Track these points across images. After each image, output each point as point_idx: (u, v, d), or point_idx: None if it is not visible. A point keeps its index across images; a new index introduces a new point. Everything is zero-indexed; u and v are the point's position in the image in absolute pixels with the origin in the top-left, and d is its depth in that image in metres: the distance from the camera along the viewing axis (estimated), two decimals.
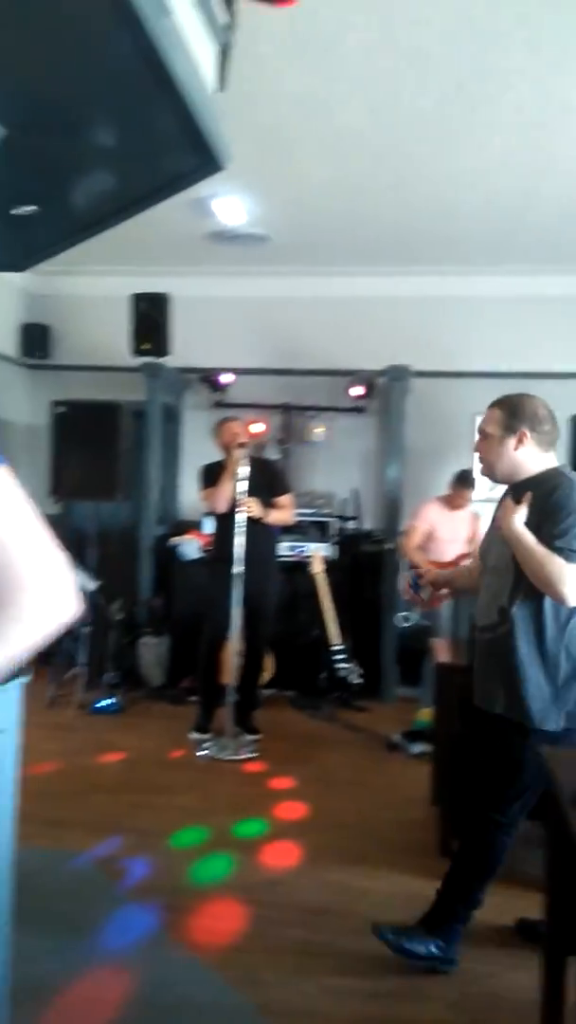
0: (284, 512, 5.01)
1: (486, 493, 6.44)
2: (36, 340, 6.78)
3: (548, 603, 2.46)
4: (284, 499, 5.02)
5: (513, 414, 2.58)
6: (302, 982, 2.58)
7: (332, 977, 2.62)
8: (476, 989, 2.59)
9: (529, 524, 2.46)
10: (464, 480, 5.34)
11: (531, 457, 2.57)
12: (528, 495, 2.50)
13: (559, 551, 2.37)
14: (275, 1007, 2.44)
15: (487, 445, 2.64)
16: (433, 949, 2.66)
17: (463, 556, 5.34)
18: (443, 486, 5.53)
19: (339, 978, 2.62)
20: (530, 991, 2.35)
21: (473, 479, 5.38)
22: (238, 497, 4.68)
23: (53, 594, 1.11)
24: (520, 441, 2.56)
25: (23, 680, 1.97)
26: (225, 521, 4.81)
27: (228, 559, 4.76)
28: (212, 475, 4.89)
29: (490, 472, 2.66)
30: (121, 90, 1.92)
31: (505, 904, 3.08)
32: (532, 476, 2.56)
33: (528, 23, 3.23)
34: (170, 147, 2.16)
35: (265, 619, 5.00)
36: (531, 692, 2.48)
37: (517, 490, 2.58)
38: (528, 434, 2.55)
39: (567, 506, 2.41)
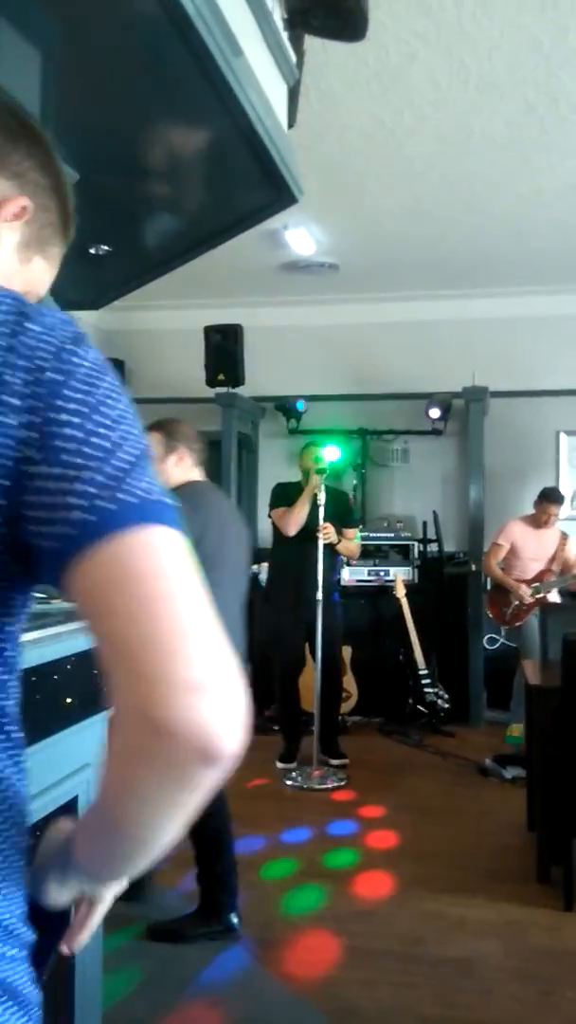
0: (353, 545, 5.02)
1: (570, 511, 6.35)
2: None
3: None
4: (352, 532, 5.03)
5: (171, 435, 3.04)
6: (400, 1014, 2.53)
7: (431, 1007, 2.57)
8: None
9: None
10: (548, 497, 5.26)
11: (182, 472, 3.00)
12: None
13: None
14: None
15: None
16: None
17: (545, 572, 5.24)
18: (525, 506, 5.45)
19: (438, 1008, 2.56)
20: None
21: (559, 496, 5.28)
22: (320, 523, 4.69)
23: (213, 714, 0.60)
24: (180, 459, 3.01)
25: (105, 712, 1.99)
26: (292, 545, 4.80)
27: (295, 585, 4.77)
28: (286, 495, 4.90)
29: None
30: (198, 131, 1.99)
31: None
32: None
33: None
34: (246, 183, 2.23)
35: (337, 643, 4.98)
36: None
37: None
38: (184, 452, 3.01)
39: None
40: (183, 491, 2.96)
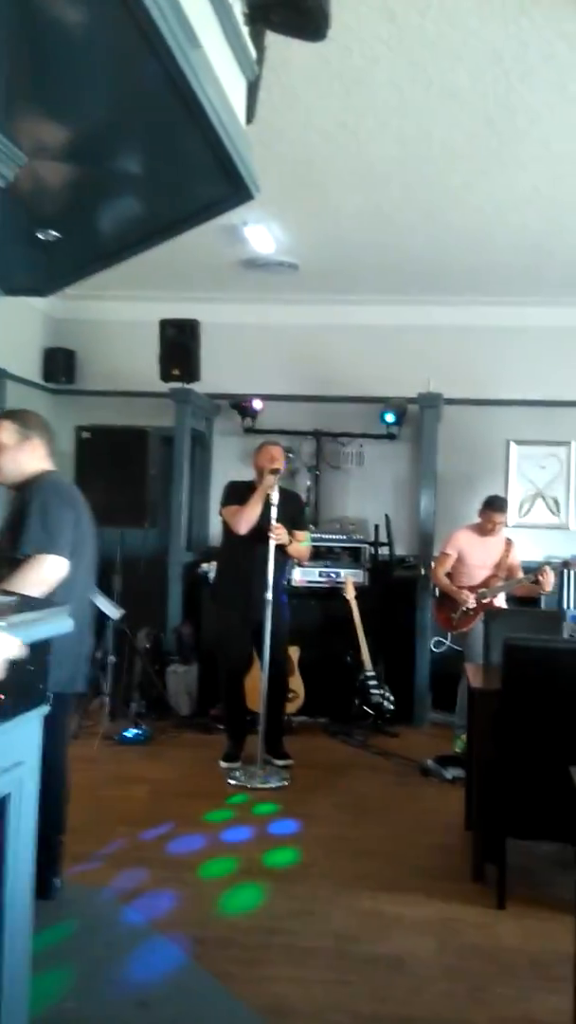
0: (303, 547, 5.03)
1: (517, 519, 6.46)
2: (60, 365, 6.80)
3: None
4: (303, 534, 5.04)
5: (25, 424, 3.06)
6: (333, 1012, 2.54)
7: (364, 1004, 2.58)
8: (508, 1013, 2.55)
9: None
10: (492, 505, 5.32)
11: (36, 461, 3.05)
12: None
13: None
14: None
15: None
16: None
17: (490, 579, 5.31)
18: (475, 512, 5.51)
19: (371, 1004, 2.58)
20: (564, 1014, 2.31)
21: (502, 503, 5.35)
22: (273, 523, 4.68)
23: None
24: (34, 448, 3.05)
25: (43, 711, 1.95)
26: (242, 544, 4.80)
27: (244, 584, 4.76)
28: (239, 494, 4.88)
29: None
30: (151, 120, 1.98)
31: (539, 928, 3.05)
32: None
33: (555, 62, 3.27)
34: (200, 176, 2.22)
35: (284, 644, 4.99)
36: None
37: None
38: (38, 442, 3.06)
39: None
40: (45, 480, 3.04)
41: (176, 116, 2.00)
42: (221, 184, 2.24)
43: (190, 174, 2.24)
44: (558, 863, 3.57)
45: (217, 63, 2.04)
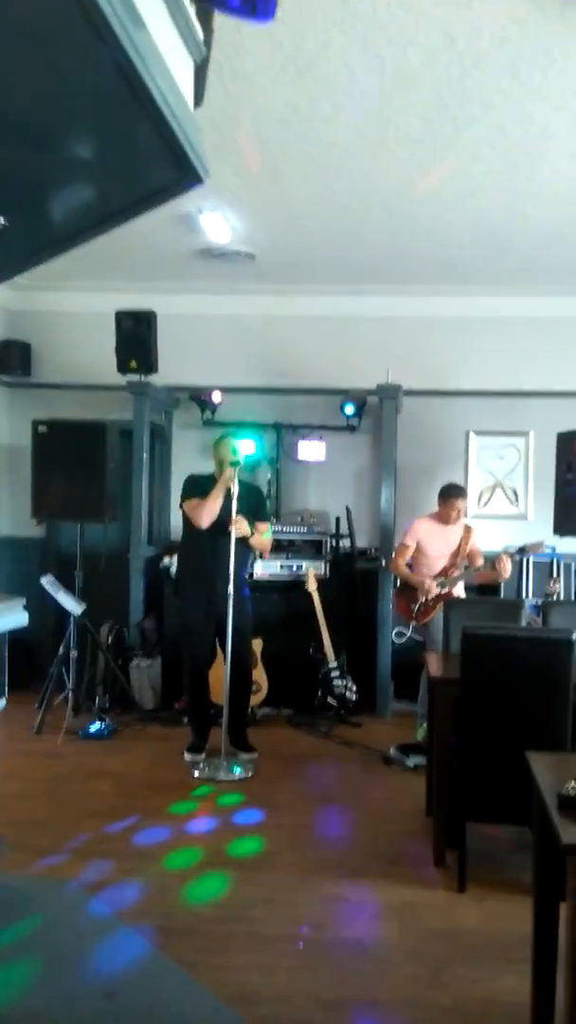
0: (264, 539, 5.03)
1: (477, 509, 6.51)
2: (15, 357, 6.68)
3: None
4: (265, 525, 5.03)
5: None
6: (298, 997, 2.55)
7: (328, 989, 2.59)
8: (469, 994, 2.57)
9: None
10: (451, 492, 5.35)
11: None
12: None
13: None
14: (270, 1023, 2.41)
15: None
16: None
17: (449, 568, 5.34)
18: (435, 503, 5.53)
19: (335, 989, 2.59)
20: (523, 994, 2.33)
21: (458, 490, 5.38)
22: (234, 516, 4.66)
23: None
24: None
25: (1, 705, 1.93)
26: (203, 538, 4.77)
27: (206, 578, 4.74)
28: (199, 487, 4.85)
29: None
30: (96, 102, 1.94)
31: (499, 910, 3.09)
32: None
33: (508, 46, 3.28)
34: (149, 160, 2.18)
35: (248, 636, 4.98)
36: None
37: None
38: None
39: None
40: None
41: (121, 99, 1.96)
42: (171, 168, 2.20)
43: (138, 158, 2.20)
44: (517, 846, 3.61)
45: (163, 44, 2.00)
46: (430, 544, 5.39)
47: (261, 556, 5.94)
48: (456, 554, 5.37)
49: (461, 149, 4.17)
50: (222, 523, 4.69)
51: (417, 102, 3.73)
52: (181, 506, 4.93)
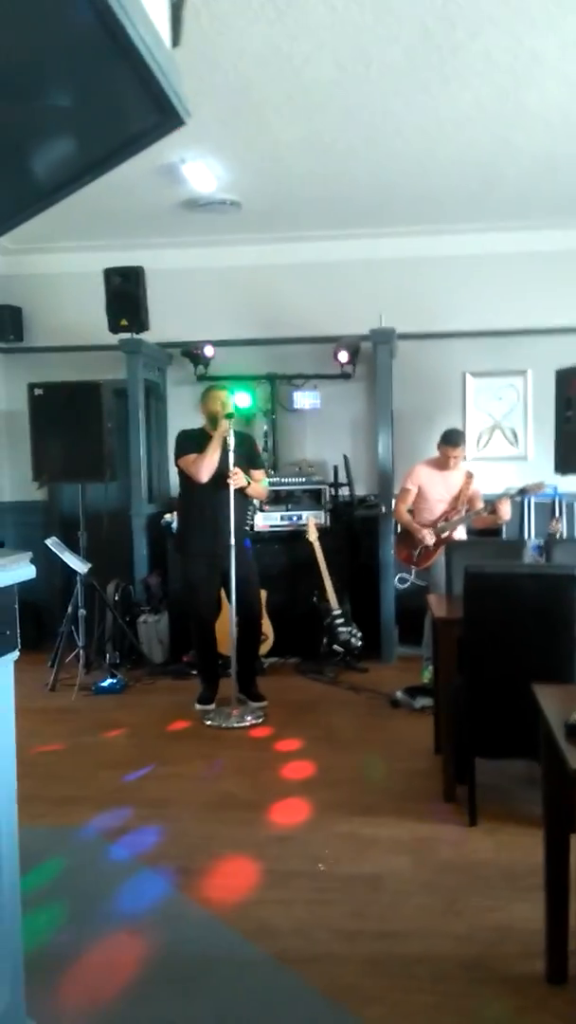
0: (261, 487, 5.04)
1: (476, 452, 6.50)
2: (7, 322, 6.65)
3: None
4: (260, 473, 5.04)
5: None
6: (315, 929, 2.62)
7: (344, 921, 2.66)
8: (483, 922, 2.64)
9: None
10: (447, 440, 5.34)
11: None
12: None
13: None
14: (290, 955, 2.48)
15: None
16: None
17: (449, 512, 5.35)
18: (434, 447, 5.52)
19: (351, 921, 2.66)
20: (536, 921, 2.39)
21: (456, 438, 5.36)
22: (231, 468, 4.66)
23: None
24: None
25: (12, 656, 1.95)
26: (203, 492, 4.77)
27: (208, 531, 4.76)
28: (193, 442, 4.84)
29: None
30: (71, 47, 1.90)
31: (510, 842, 3.15)
32: None
33: None
34: (128, 104, 2.14)
35: (255, 587, 5.02)
36: None
37: None
38: None
39: None
40: None
41: (97, 41, 1.91)
42: (151, 111, 2.15)
43: (118, 103, 2.15)
44: (526, 780, 3.68)
45: None
46: (431, 488, 5.40)
47: (261, 507, 5.96)
48: (457, 498, 5.37)
49: (447, 79, 4.08)
50: (220, 476, 4.70)
51: (400, 32, 3.64)
52: (178, 463, 4.92)
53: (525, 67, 3.96)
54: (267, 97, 4.21)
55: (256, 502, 5.81)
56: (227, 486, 4.65)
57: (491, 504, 5.23)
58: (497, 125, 4.61)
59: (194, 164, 4.96)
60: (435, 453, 5.49)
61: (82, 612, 5.62)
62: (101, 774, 3.98)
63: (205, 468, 4.71)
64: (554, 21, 3.57)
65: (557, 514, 6.14)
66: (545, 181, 5.44)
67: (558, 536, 5.78)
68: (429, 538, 5.29)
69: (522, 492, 5.20)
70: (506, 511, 5.16)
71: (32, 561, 2.05)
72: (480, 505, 5.37)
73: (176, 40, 2.40)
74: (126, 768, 4.05)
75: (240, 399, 6.28)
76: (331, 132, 4.67)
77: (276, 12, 3.43)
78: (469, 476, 5.45)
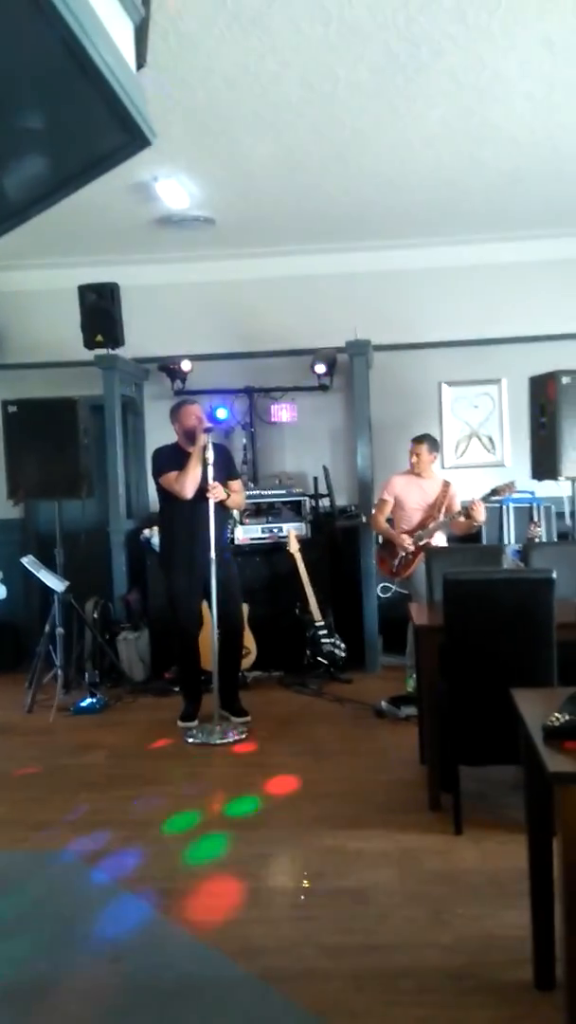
0: (239, 497, 5.04)
1: (454, 459, 6.54)
2: None
3: None
4: (237, 483, 5.05)
5: None
6: (300, 946, 2.61)
7: (330, 936, 2.65)
8: (469, 932, 2.64)
9: None
10: (416, 440, 5.41)
11: None
12: None
13: None
14: (275, 973, 2.46)
15: None
16: None
17: (426, 519, 5.38)
18: None
19: (337, 936, 2.65)
20: (523, 928, 2.40)
21: (421, 436, 5.45)
22: (210, 482, 4.67)
23: None
24: None
25: None
26: (183, 507, 4.77)
27: (189, 546, 4.75)
28: (171, 459, 4.84)
29: None
30: (36, 71, 1.91)
31: (496, 849, 3.15)
32: None
33: None
34: (95, 126, 2.15)
35: (237, 599, 5.01)
36: None
37: None
38: None
39: None
40: None
41: (62, 66, 1.93)
42: (117, 132, 2.17)
43: (85, 124, 2.17)
44: (511, 787, 3.68)
45: (100, 7, 1.97)
46: (407, 497, 5.44)
47: (242, 520, 5.97)
48: (434, 506, 5.41)
49: (413, 98, 4.14)
50: (200, 491, 4.70)
51: (365, 52, 3.69)
52: (157, 480, 4.92)
53: (488, 85, 4.02)
54: (236, 115, 4.24)
55: (236, 514, 5.82)
56: (207, 500, 4.65)
57: (466, 508, 5.26)
58: (464, 142, 4.67)
59: (167, 182, 4.97)
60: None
61: (60, 631, 5.58)
62: (81, 796, 3.93)
63: (189, 484, 4.71)
64: (513, 41, 3.63)
65: (535, 519, 6.18)
66: (512, 194, 5.51)
67: (536, 540, 5.82)
68: (408, 545, 5.31)
69: (494, 493, 5.22)
70: (481, 513, 5.19)
71: (7, 580, 2.05)
72: (457, 509, 5.40)
73: (141, 62, 2.41)
74: (106, 789, 4.01)
75: (218, 412, 6.30)
76: (301, 149, 4.70)
77: (242, 32, 3.46)
78: (446, 485, 5.48)
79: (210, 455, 4.68)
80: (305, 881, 3.03)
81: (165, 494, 4.88)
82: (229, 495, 4.84)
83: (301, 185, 5.25)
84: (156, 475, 4.92)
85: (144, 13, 2.28)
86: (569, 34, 3.57)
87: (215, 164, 4.89)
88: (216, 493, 4.69)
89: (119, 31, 2.15)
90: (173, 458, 4.83)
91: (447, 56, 3.74)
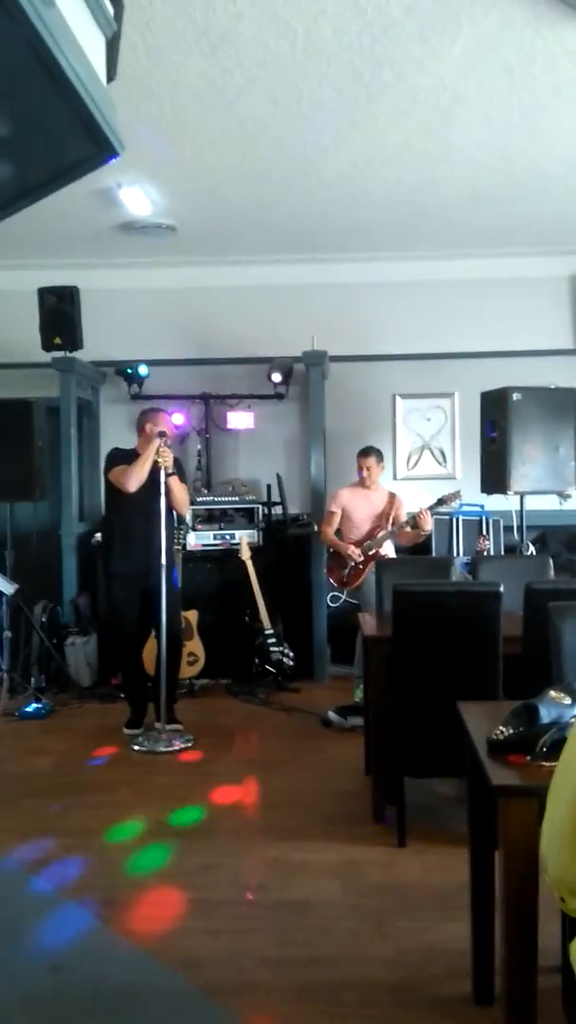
0: (183, 494, 4.99)
1: (406, 471, 6.63)
2: None
3: None
4: (184, 485, 5.04)
5: None
6: (241, 958, 2.62)
7: (272, 949, 2.67)
8: (411, 945, 2.68)
9: None
10: (363, 453, 5.48)
11: None
12: None
13: None
14: (216, 986, 2.47)
15: None
16: None
17: (374, 530, 5.46)
18: None
19: (278, 948, 2.67)
20: (463, 941, 2.44)
21: (368, 448, 5.56)
22: (165, 483, 4.66)
23: None
24: None
25: None
26: (130, 510, 4.76)
27: (134, 550, 4.74)
28: (127, 460, 4.80)
29: None
30: (7, 80, 1.90)
31: (438, 862, 3.20)
32: None
33: (415, 13, 3.30)
34: (64, 136, 2.15)
35: (178, 610, 5.01)
36: None
37: None
38: None
39: None
40: None
41: (33, 76, 1.93)
42: (86, 143, 2.18)
43: (54, 134, 2.17)
44: (455, 800, 3.74)
45: (73, 20, 1.98)
46: (354, 509, 5.52)
47: (194, 527, 5.95)
48: (380, 516, 5.49)
49: (375, 117, 4.20)
50: (148, 494, 4.68)
51: (329, 71, 3.74)
52: (107, 475, 4.89)
53: (448, 107, 4.10)
54: (202, 128, 4.26)
55: (188, 520, 5.81)
56: (156, 500, 4.63)
57: (413, 518, 5.34)
58: (423, 161, 4.75)
59: (131, 189, 4.97)
60: None
61: (7, 634, 5.51)
62: (24, 803, 3.89)
63: (135, 477, 4.67)
64: (473, 65, 3.71)
65: (484, 532, 6.28)
66: (468, 213, 5.62)
67: (485, 554, 5.92)
68: (357, 555, 5.38)
69: (440, 502, 5.32)
70: (428, 522, 5.27)
71: None
72: (404, 519, 5.48)
73: (112, 75, 2.42)
74: (50, 797, 3.98)
75: (175, 418, 6.28)
76: (264, 163, 4.74)
77: (210, 47, 3.48)
78: (393, 497, 5.57)
79: (169, 462, 4.68)
80: (248, 893, 3.04)
81: (113, 493, 4.85)
82: (175, 473, 4.78)
83: (263, 197, 5.28)
84: (107, 471, 4.89)
85: (116, 28, 2.29)
86: (527, 60, 3.67)
87: (179, 174, 4.89)
88: (166, 457, 4.66)
89: (90, 43, 2.16)
90: (126, 459, 4.81)
91: (409, 77, 3.81)
